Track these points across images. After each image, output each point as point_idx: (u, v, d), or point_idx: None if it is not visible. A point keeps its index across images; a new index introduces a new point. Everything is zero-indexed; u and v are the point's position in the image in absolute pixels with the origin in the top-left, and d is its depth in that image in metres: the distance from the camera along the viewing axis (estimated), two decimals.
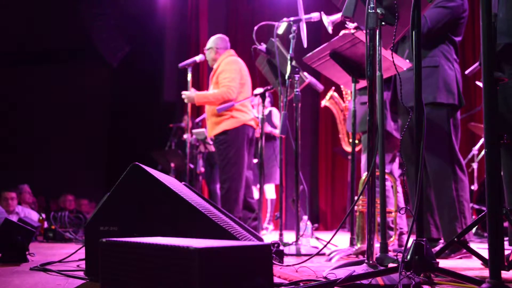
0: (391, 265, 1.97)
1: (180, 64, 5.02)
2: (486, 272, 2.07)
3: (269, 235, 6.10)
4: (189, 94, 4.75)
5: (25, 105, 10.03)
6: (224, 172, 4.65)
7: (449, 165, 3.15)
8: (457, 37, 3.28)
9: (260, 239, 2.35)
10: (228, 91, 4.55)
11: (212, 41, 4.87)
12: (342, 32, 3.35)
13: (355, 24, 3.17)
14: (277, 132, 6.34)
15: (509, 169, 2.37)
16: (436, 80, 3.15)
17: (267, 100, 6.49)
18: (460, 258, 3.03)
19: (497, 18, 2.32)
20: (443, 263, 2.72)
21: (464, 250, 2.95)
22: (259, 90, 4.29)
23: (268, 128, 6.34)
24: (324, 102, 5.70)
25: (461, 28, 3.29)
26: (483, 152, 3.14)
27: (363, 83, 3.06)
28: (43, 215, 5.12)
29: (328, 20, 3.28)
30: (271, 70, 3.97)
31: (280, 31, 3.75)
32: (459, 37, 3.30)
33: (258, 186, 6.01)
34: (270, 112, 6.56)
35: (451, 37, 3.25)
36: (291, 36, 3.56)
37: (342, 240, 4.58)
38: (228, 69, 4.65)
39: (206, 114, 4.94)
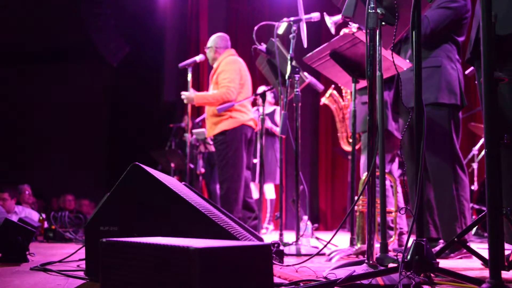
0: (391, 265, 1.96)
1: (180, 64, 5.02)
2: (486, 272, 2.07)
3: (269, 235, 6.10)
4: (188, 94, 4.74)
5: (25, 105, 10.03)
6: (223, 172, 4.65)
7: (450, 165, 3.14)
8: (459, 37, 3.27)
9: (260, 239, 2.35)
10: (227, 92, 4.55)
11: (212, 40, 4.86)
12: (342, 32, 3.35)
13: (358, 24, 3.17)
14: (277, 130, 6.36)
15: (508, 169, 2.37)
16: (438, 80, 3.15)
17: (271, 95, 6.57)
18: (460, 258, 3.03)
19: (497, 18, 2.31)
20: (443, 263, 2.72)
21: (464, 250, 2.95)
22: (262, 89, 4.30)
23: (268, 124, 6.35)
24: (323, 100, 5.71)
25: (464, 28, 3.29)
26: (483, 152, 3.14)
27: (363, 83, 3.06)
28: (43, 215, 5.12)
29: (330, 21, 3.28)
30: (271, 70, 3.97)
31: (280, 31, 3.75)
32: (462, 37, 3.30)
33: (256, 181, 6.04)
34: (274, 110, 6.59)
35: (453, 37, 3.24)
36: (291, 36, 3.56)
37: (342, 240, 4.58)
38: (227, 69, 4.64)
39: (206, 114, 4.94)
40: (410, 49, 3.25)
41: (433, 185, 3.21)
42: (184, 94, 4.76)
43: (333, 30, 3.29)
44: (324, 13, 3.35)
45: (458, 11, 3.17)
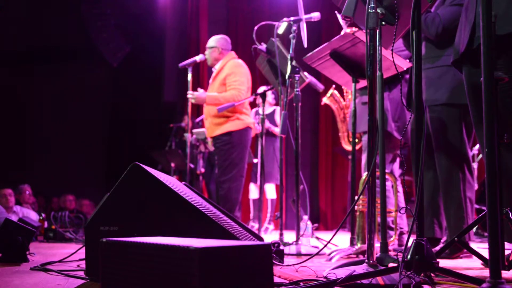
0: (391, 264, 1.96)
1: (180, 64, 5.01)
2: (486, 272, 2.07)
3: (269, 235, 6.10)
4: (199, 94, 4.68)
5: (25, 105, 10.03)
6: (225, 172, 4.65)
7: (459, 166, 3.11)
8: None
9: (261, 239, 2.35)
10: (239, 94, 4.57)
11: (217, 41, 4.84)
12: (343, 32, 3.35)
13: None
14: (277, 130, 6.36)
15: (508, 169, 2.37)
16: (451, 79, 3.11)
17: (272, 97, 6.58)
18: (461, 257, 3.03)
19: (497, 18, 2.31)
20: (443, 263, 2.72)
21: (465, 250, 2.94)
22: (263, 89, 4.30)
23: (266, 124, 6.35)
24: (324, 100, 5.72)
25: None
26: None
27: (363, 83, 3.06)
28: (43, 215, 5.13)
29: (343, 20, 3.27)
30: (271, 70, 3.97)
31: (280, 31, 3.75)
32: None
33: (258, 182, 6.03)
34: (274, 110, 6.60)
35: None
36: (291, 36, 3.55)
37: (342, 240, 4.58)
38: (237, 72, 4.65)
39: (204, 114, 4.92)
40: (424, 45, 3.21)
41: (441, 185, 3.18)
42: (193, 94, 4.68)
43: (345, 28, 3.27)
44: (336, 12, 3.34)
45: None
